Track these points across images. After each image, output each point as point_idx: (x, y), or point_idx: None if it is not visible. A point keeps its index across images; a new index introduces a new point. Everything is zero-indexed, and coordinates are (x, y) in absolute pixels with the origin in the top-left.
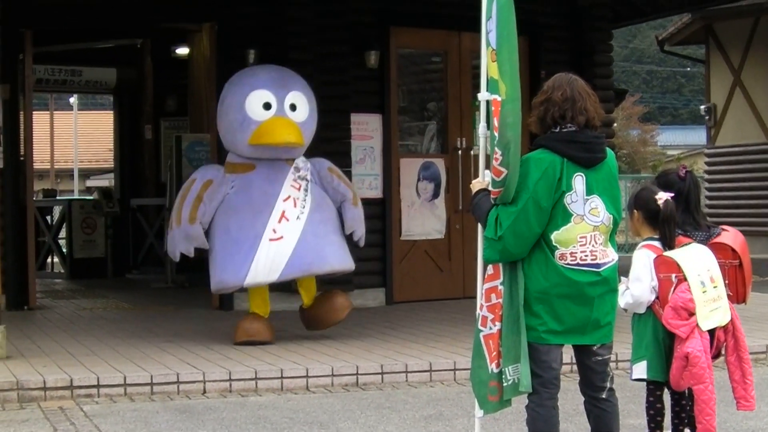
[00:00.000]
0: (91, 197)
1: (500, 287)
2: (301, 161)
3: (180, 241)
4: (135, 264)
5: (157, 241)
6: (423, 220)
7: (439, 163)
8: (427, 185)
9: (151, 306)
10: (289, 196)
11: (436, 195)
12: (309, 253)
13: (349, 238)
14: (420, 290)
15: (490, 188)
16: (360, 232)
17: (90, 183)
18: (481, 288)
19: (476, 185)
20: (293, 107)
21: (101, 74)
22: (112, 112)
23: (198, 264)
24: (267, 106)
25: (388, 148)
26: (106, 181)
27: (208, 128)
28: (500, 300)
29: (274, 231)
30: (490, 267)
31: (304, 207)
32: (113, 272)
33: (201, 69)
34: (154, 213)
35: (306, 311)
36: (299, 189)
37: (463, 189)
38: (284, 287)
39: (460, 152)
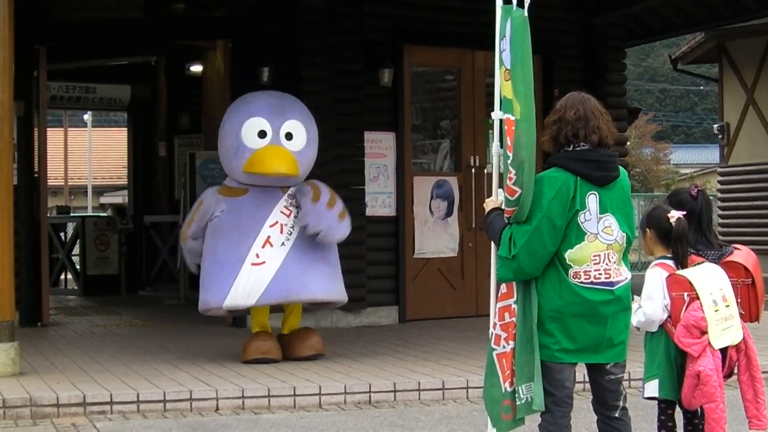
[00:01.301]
0: (104, 214)
1: (514, 306)
2: (294, 188)
3: (186, 256)
4: (148, 281)
5: (170, 258)
6: (436, 238)
7: (453, 182)
8: (441, 203)
9: (165, 323)
10: (276, 222)
11: (449, 213)
12: (289, 280)
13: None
14: (433, 308)
15: (503, 207)
16: (316, 225)
17: (104, 200)
18: (494, 307)
19: (490, 204)
20: (289, 136)
21: (115, 91)
22: (126, 128)
23: None
24: (262, 134)
25: (401, 166)
26: (120, 198)
27: None
28: (514, 319)
29: (257, 256)
30: (503, 286)
31: (290, 234)
32: (126, 289)
33: (215, 86)
34: (167, 230)
35: (280, 337)
36: (289, 215)
37: (477, 207)
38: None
39: (473, 170)
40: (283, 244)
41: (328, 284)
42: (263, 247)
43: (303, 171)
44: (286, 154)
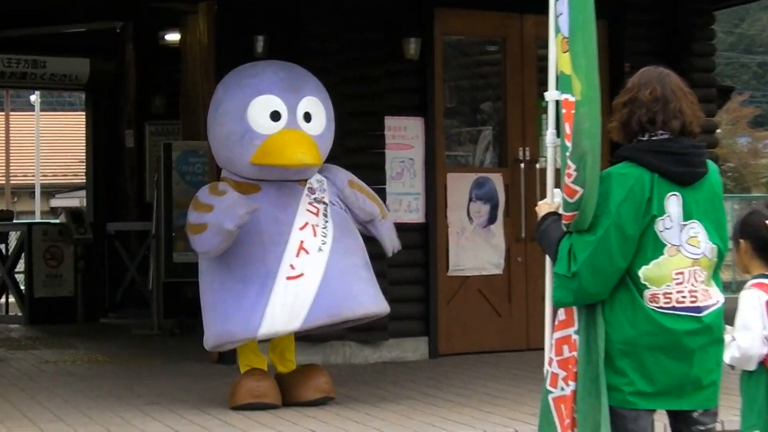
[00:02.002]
0: (56, 221)
1: (575, 337)
2: (315, 181)
3: (226, 217)
4: (112, 305)
5: (140, 276)
6: (476, 250)
7: (497, 179)
8: (482, 207)
9: (133, 359)
10: (306, 223)
11: (492, 219)
12: (337, 292)
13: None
14: (472, 340)
15: (561, 211)
16: (398, 244)
17: (55, 202)
18: (550, 338)
19: (544, 208)
20: (307, 117)
21: (70, 66)
22: (83, 113)
23: (192, 306)
24: (275, 116)
25: (431, 160)
26: (76, 201)
27: (204, 134)
28: (575, 353)
29: (292, 267)
30: (561, 311)
31: (325, 236)
32: (84, 315)
33: (196, 60)
34: (136, 241)
35: (278, 377)
36: (317, 214)
37: (527, 212)
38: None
39: (522, 165)
40: (320, 249)
41: (375, 293)
42: (297, 255)
43: (323, 160)
44: (308, 140)
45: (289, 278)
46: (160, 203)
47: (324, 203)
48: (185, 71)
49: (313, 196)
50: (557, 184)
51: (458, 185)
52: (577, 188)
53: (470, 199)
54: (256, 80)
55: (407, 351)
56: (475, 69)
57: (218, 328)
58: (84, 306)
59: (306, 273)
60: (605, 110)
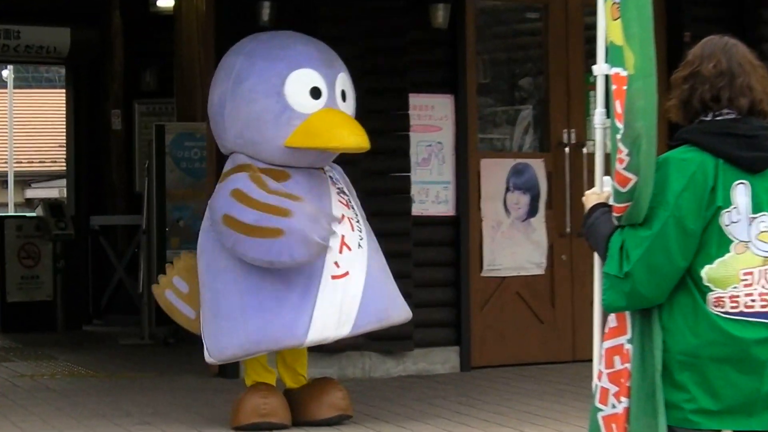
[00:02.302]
0: (32, 214)
1: (627, 347)
2: (330, 169)
3: (308, 227)
4: (96, 311)
5: (128, 277)
6: (514, 248)
7: (538, 166)
8: (521, 197)
9: (121, 372)
10: (343, 216)
11: (533, 212)
12: (382, 294)
13: None
14: (510, 350)
15: (611, 202)
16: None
17: (31, 193)
18: (599, 348)
19: (592, 198)
20: (344, 95)
21: (48, 36)
22: (63, 90)
23: None
24: (316, 93)
25: (463, 144)
26: (55, 191)
27: (203, 115)
28: (628, 365)
29: (337, 265)
30: (612, 317)
31: (360, 230)
32: (65, 323)
33: (193, 29)
34: (124, 237)
35: (287, 393)
36: (348, 205)
37: (573, 203)
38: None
39: (567, 150)
40: (359, 245)
41: (402, 297)
42: (341, 252)
43: None
44: (354, 121)
45: (334, 277)
46: (151, 194)
47: (345, 194)
48: (180, 42)
49: (337, 186)
50: (607, 171)
51: (493, 173)
52: (630, 176)
53: (507, 189)
54: (292, 52)
55: (435, 363)
56: (513, 39)
57: (250, 335)
58: (64, 312)
59: (351, 272)
60: (662, 86)
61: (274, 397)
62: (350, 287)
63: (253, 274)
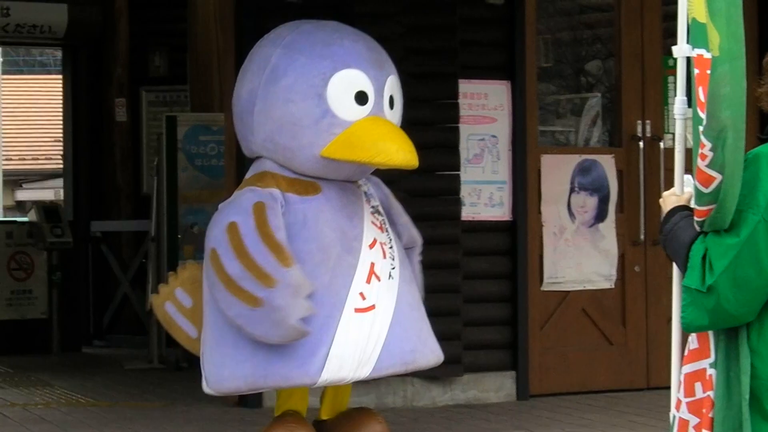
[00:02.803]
0: (24, 219)
1: (710, 372)
2: (364, 183)
3: (289, 305)
4: (98, 330)
5: (135, 291)
6: (580, 257)
7: (607, 163)
8: (587, 199)
9: (126, 400)
10: (374, 240)
11: (601, 216)
12: (410, 333)
13: None
14: (575, 376)
15: (693, 205)
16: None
17: (22, 195)
18: (678, 373)
19: (670, 200)
20: (392, 102)
21: (42, 13)
22: (59, 77)
23: None
24: (362, 97)
25: (521, 138)
26: (50, 193)
27: (220, 104)
28: (710, 393)
29: (363, 296)
30: (693, 338)
31: (393, 258)
32: (62, 344)
33: (209, 6)
34: (129, 245)
35: (319, 425)
36: (381, 228)
37: (648, 206)
38: None
39: (641, 144)
40: (390, 276)
41: (434, 336)
42: (369, 282)
43: None
44: (402, 133)
45: (357, 310)
46: (161, 196)
47: (381, 214)
48: (194, 21)
49: (372, 204)
50: (688, 168)
51: (556, 171)
52: (714, 174)
53: (572, 189)
54: (339, 49)
55: (488, 390)
56: (580, 17)
57: (256, 368)
58: (61, 331)
59: (378, 305)
60: (752, 70)
61: (302, 427)
62: (375, 323)
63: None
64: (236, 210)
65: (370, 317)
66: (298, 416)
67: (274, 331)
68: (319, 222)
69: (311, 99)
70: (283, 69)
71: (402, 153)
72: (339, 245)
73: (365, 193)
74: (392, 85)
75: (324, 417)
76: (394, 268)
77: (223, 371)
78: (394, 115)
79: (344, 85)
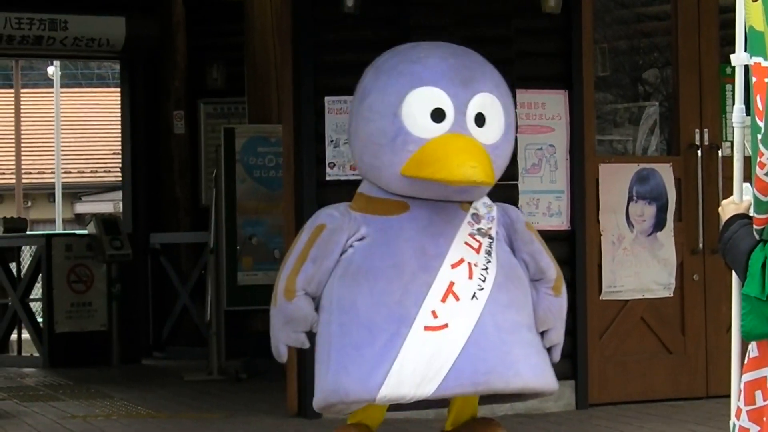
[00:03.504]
0: (83, 231)
1: None
2: (482, 206)
3: (279, 329)
4: (158, 342)
5: (194, 303)
6: (638, 266)
7: (665, 171)
8: (646, 208)
9: (186, 411)
10: (461, 260)
11: (659, 225)
12: (489, 354)
13: None
14: (635, 385)
15: (752, 213)
16: (557, 336)
17: (82, 207)
18: (738, 382)
19: (730, 209)
20: (480, 119)
21: (100, 27)
22: (117, 89)
23: (262, 343)
24: (439, 114)
25: (579, 147)
26: (109, 205)
27: (278, 115)
28: None
29: (435, 315)
30: (753, 346)
31: (484, 280)
32: (121, 356)
33: (266, 18)
34: (188, 257)
35: None
36: (478, 250)
37: (706, 214)
38: None
39: (699, 152)
40: (474, 296)
41: (540, 363)
42: (444, 300)
43: (497, 176)
44: (479, 149)
45: (427, 329)
46: (219, 207)
47: (490, 237)
48: (251, 33)
49: (477, 226)
50: (747, 176)
51: (614, 180)
52: None
53: (630, 199)
54: (419, 67)
55: (548, 400)
56: (637, 25)
57: (329, 383)
58: (120, 343)
59: (451, 324)
60: None
61: None
62: (445, 342)
63: (344, 313)
64: (309, 222)
65: (440, 336)
66: (361, 428)
67: (272, 345)
68: (398, 240)
69: (387, 117)
70: (369, 89)
71: (474, 170)
72: (415, 263)
73: (474, 214)
74: (482, 103)
75: (448, 429)
76: (482, 290)
77: (316, 388)
78: (484, 133)
79: (420, 102)
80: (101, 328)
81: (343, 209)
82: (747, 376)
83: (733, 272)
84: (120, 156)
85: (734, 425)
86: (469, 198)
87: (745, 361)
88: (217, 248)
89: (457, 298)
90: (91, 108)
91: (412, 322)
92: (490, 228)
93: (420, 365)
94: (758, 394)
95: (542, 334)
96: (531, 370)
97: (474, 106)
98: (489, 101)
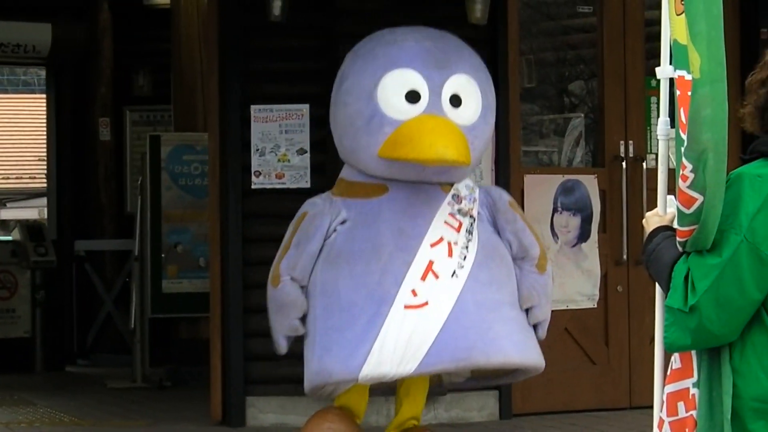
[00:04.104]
0: (7, 237)
1: (693, 391)
2: (464, 187)
3: (274, 319)
4: (82, 349)
5: (118, 310)
6: (563, 277)
7: (590, 183)
8: (570, 219)
9: (109, 419)
10: (441, 239)
11: (584, 236)
12: (469, 331)
13: None
14: (558, 395)
15: (675, 225)
16: (541, 313)
17: (6, 214)
18: (660, 393)
19: (653, 221)
20: (455, 100)
21: (26, 33)
22: (43, 96)
23: (187, 351)
24: (413, 96)
25: (504, 158)
26: (34, 212)
27: (204, 124)
28: (693, 413)
29: (414, 293)
30: (676, 357)
31: (464, 258)
32: (45, 363)
33: (192, 25)
34: (113, 264)
35: None
36: (458, 229)
37: (630, 226)
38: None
39: (624, 164)
40: (454, 274)
41: (523, 339)
42: (423, 279)
43: (476, 157)
44: (453, 129)
45: (407, 307)
46: (144, 215)
47: (471, 217)
48: (178, 41)
49: (457, 206)
50: (671, 188)
51: (539, 191)
52: (695, 195)
53: (555, 210)
54: (394, 49)
55: (471, 410)
56: (563, 37)
57: (314, 365)
58: (44, 350)
59: (431, 302)
60: (734, 91)
61: (342, 423)
62: (425, 320)
63: (327, 297)
64: (296, 215)
65: (420, 314)
66: (343, 411)
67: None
68: (377, 222)
69: (363, 100)
70: (346, 74)
71: (446, 149)
72: (393, 243)
73: (454, 195)
74: (457, 84)
75: (396, 425)
76: (462, 268)
77: (305, 373)
78: (460, 114)
79: (394, 84)
80: (25, 334)
81: (324, 196)
82: (669, 388)
83: (657, 284)
84: (45, 162)
85: None
86: (448, 179)
87: (668, 373)
88: (142, 256)
89: (436, 277)
90: (17, 114)
91: (392, 301)
92: (472, 208)
93: (401, 343)
94: (680, 405)
95: (527, 311)
96: (513, 346)
97: (449, 88)
98: (465, 82)
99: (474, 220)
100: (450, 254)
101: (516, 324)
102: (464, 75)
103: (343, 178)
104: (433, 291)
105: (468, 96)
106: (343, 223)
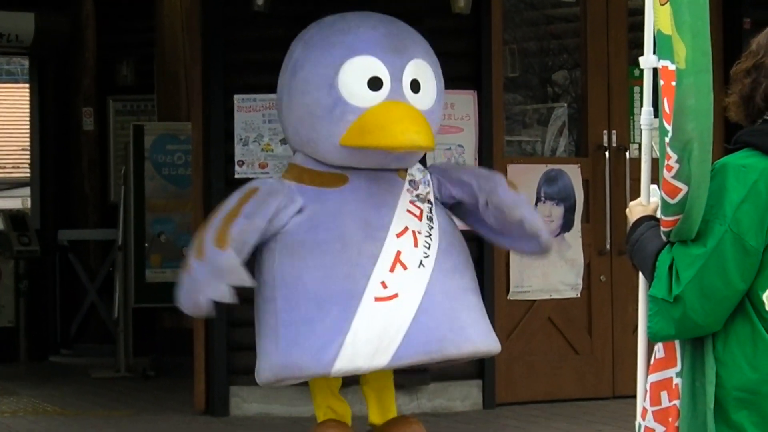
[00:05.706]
0: None
1: (677, 381)
2: (418, 171)
3: (204, 282)
4: (65, 339)
5: (101, 300)
6: (546, 267)
7: (573, 172)
8: (553, 209)
9: (93, 409)
10: (405, 228)
11: (567, 226)
12: (440, 322)
13: None
14: (541, 385)
15: (659, 215)
16: (541, 225)
17: None
18: (644, 382)
19: (637, 210)
20: (415, 86)
21: (9, 22)
22: (26, 85)
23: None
24: (375, 83)
25: (487, 147)
26: (17, 201)
27: (187, 113)
28: (677, 402)
29: (384, 285)
30: (659, 347)
31: (428, 247)
32: (28, 353)
33: (176, 14)
34: (97, 254)
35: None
36: (420, 217)
37: (614, 215)
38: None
39: (607, 154)
40: (421, 264)
41: (485, 326)
42: (392, 270)
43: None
44: (418, 115)
45: (378, 299)
46: (128, 205)
47: (429, 203)
48: (161, 31)
49: (416, 192)
50: (655, 178)
51: (522, 180)
52: (680, 185)
53: (538, 199)
54: (351, 37)
55: (454, 399)
56: (547, 27)
57: (279, 358)
58: (28, 340)
59: (401, 294)
60: (719, 81)
61: None
62: (397, 312)
63: (289, 288)
64: (236, 192)
65: (391, 306)
66: (342, 425)
67: (186, 300)
68: (341, 213)
69: (323, 89)
70: (301, 62)
71: (408, 134)
72: (360, 235)
73: (411, 180)
74: (416, 69)
75: (375, 421)
76: (427, 257)
77: (260, 363)
78: (420, 99)
79: (356, 72)
80: (8, 324)
81: (276, 178)
82: (653, 377)
83: (640, 273)
84: (28, 152)
85: (640, 425)
86: (406, 165)
87: (652, 362)
88: (126, 245)
89: (404, 267)
90: (1, 104)
91: (362, 294)
92: (428, 192)
93: (373, 336)
94: (664, 395)
95: (522, 225)
96: (479, 334)
97: (409, 73)
98: (422, 67)
99: (432, 205)
100: (416, 244)
101: (479, 310)
102: (421, 60)
103: (296, 164)
104: (402, 282)
105: (426, 81)
106: (299, 211)
